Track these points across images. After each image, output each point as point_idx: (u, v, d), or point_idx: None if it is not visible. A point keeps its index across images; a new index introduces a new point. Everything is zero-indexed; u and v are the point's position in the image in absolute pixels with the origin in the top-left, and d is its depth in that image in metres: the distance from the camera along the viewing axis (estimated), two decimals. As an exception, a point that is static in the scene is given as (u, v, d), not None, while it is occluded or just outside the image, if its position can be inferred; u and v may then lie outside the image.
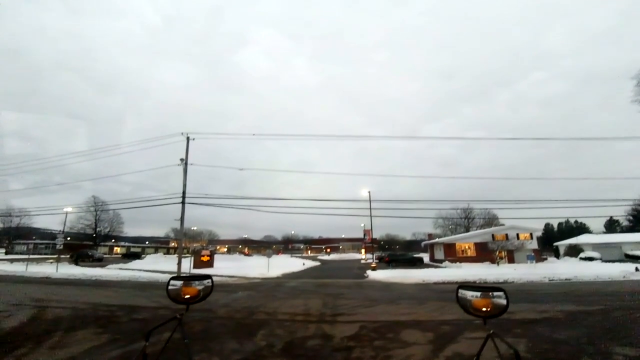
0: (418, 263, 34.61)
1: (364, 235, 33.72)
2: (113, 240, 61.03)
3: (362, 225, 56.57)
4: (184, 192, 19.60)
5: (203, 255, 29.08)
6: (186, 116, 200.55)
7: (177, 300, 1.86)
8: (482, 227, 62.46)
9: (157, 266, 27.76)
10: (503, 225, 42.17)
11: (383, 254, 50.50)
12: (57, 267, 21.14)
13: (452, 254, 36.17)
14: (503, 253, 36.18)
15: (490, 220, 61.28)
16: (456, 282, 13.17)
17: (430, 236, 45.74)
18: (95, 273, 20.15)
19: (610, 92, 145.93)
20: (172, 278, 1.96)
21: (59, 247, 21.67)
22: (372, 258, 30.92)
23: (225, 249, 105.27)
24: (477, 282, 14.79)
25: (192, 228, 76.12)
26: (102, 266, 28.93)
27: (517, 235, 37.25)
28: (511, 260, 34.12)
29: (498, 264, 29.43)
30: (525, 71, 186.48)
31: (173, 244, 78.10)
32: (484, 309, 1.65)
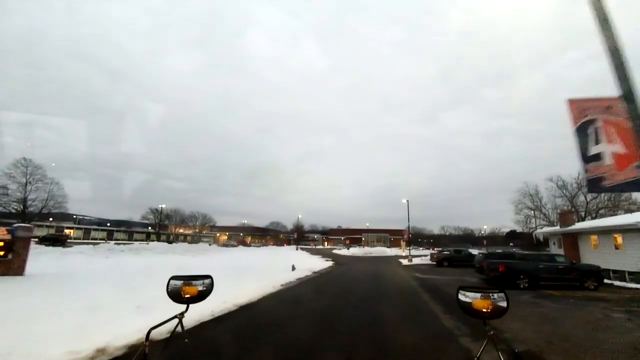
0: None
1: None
2: (51, 219, 44.72)
3: (404, 201, 35.49)
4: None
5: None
6: (194, 102, 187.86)
7: (177, 299, 1.81)
8: (597, 212, 38.96)
9: None
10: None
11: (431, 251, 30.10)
12: None
13: None
14: None
15: (616, 202, 37.69)
16: None
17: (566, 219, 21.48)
18: None
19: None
20: (172, 277, 1.88)
21: None
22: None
23: (226, 237, 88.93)
24: None
25: (161, 206, 58.76)
26: None
27: None
28: None
29: None
30: (556, 50, 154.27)
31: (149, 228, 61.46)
32: (484, 310, 1.62)
